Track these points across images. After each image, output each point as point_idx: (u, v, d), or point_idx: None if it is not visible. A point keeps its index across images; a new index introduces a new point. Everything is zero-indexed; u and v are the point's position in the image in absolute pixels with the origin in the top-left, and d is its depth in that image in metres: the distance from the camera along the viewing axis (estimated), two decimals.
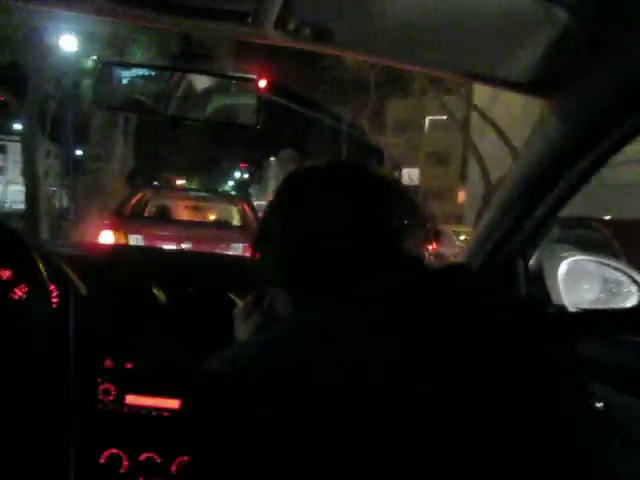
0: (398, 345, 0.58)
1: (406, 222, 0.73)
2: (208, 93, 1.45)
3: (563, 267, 1.36)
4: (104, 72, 1.29)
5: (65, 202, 16.11)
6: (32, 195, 12.16)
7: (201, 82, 1.47)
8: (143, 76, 1.41)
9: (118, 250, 2.27)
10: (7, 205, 34.87)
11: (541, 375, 0.62)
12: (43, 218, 12.11)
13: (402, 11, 0.90)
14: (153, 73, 1.40)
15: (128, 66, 1.43)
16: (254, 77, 1.21)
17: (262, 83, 13.58)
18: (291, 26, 0.92)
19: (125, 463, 1.25)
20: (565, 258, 1.38)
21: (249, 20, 0.91)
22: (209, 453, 0.56)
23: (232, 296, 1.38)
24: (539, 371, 0.62)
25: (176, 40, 10.55)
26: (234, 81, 1.38)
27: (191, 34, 9.21)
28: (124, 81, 1.36)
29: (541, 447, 0.57)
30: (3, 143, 43.55)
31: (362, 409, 0.54)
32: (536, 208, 1.19)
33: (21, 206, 14.32)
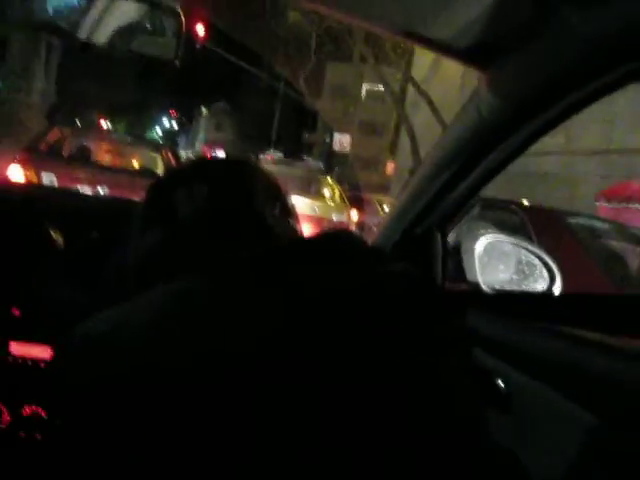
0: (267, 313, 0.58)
1: (263, 202, 0.77)
2: (132, 27, 1.34)
3: (480, 245, 1.36)
4: None
5: None
6: None
7: (127, 15, 1.35)
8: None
9: (23, 187, 2.11)
10: None
11: (416, 353, 0.63)
12: None
13: None
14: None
15: None
16: (178, 10, 1.12)
17: (200, 30, 13.10)
18: None
19: (6, 417, 1.15)
20: (483, 236, 1.38)
21: None
22: (76, 418, 0.52)
23: None
24: (414, 349, 0.63)
25: None
26: (159, 13, 1.27)
27: None
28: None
29: (420, 424, 0.58)
30: None
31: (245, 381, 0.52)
32: (459, 183, 1.17)
33: None
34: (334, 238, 0.71)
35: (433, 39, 0.94)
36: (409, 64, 15.78)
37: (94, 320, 0.59)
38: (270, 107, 30.67)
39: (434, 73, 14.89)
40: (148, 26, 1.31)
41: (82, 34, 1.32)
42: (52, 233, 1.26)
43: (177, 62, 1.12)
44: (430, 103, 13.86)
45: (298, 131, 34.80)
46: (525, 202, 4.86)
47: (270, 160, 15.25)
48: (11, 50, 11.22)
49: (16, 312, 1.18)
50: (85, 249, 1.29)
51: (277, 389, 0.53)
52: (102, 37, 1.31)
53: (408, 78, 15.81)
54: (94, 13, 1.28)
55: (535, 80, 0.91)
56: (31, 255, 1.25)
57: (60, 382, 0.57)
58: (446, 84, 13.51)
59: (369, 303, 0.62)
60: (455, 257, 1.39)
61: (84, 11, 1.34)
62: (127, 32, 1.33)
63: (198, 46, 13.87)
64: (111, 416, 0.51)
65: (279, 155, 19.97)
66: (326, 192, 11.13)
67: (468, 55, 0.96)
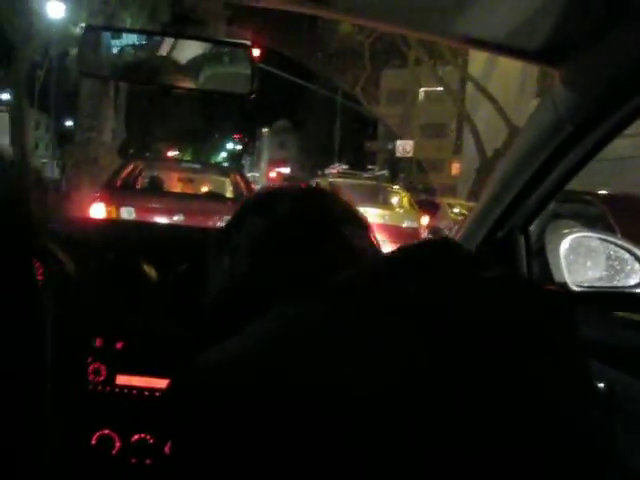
0: (391, 337, 0.55)
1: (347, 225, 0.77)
2: (201, 60, 1.39)
3: (565, 244, 1.33)
4: (89, 38, 1.22)
5: (56, 174, 15.94)
6: (20, 167, 12.02)
7: (193, 49, 1.40)
8: (132, 43, 1.35)
9: (108, 225, 2.22)
10: None
11: (540, 357, 0.59)
12: (32, 190, 11.96)
13: None
14: (142, 40, 1.33)
15: (114, 31, 1.36)
16: (248, 43, 1.15)
17: (255, 52, 13.40)
18: None
19: (117, 444, 1.22)
20: (567, 235, 1.35)
21: None
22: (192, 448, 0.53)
23: None
24: (537, 353, 0.59)
25: (167, 6, 10.35)
26: (227, 48, 1.32)
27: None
28: (112, 48, 1.29)
29: (544, 433, 0.54)
30: None
31: (367, 408, 0.50)
32: (540, 183, 1.15)
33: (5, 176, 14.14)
34: (435, 249, 0.68)
35: (503, 44, 0.94)
36: (465, 62, 15.54)
37: (213, 351, 0.59)
38: (330, 120, 30.86)
39: (492, 68, 14.60)
40: (217, 63, 1.35)
41: (154, 77, 1.36)
42: (145, 267, 1.32)
43: (254, 95, 1.15)
44: (491, 99, 13.59)
45: (360, 141, 34.83)
46: (602, 191, 4.66)
47: (336, 173, 15.33)
48: (82, 92, 11.80)
49: (119, 346, 1.24)
50: (176, 280, 1.34)
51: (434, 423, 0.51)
52: (170, 79, 1.35)
53: (466, 76, 15.57)
54: (159, 54, 1.33)
55: (613, 73, 0.88)
56: (127, 290, 1.31)
57: (179, 410, 0.58)
58: (506, 78, 13.22)
59: (510, 326, 0.59)
60: (539, 258, 1.35)
61: (147, 50, 1.38)
62: (194, 69, 1.37)
63: (256, 66, 14.14)
64: (229, 444, 0.51)
65: (344, 167, 20.04)
66: (394, 199, 11.07)
67: (539, 55, 0.94)
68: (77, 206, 9.70)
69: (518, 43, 0.92)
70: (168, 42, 1.36)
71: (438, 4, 0.91)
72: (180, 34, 1.16)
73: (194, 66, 1.37)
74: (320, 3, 0.86)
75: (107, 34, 1.37)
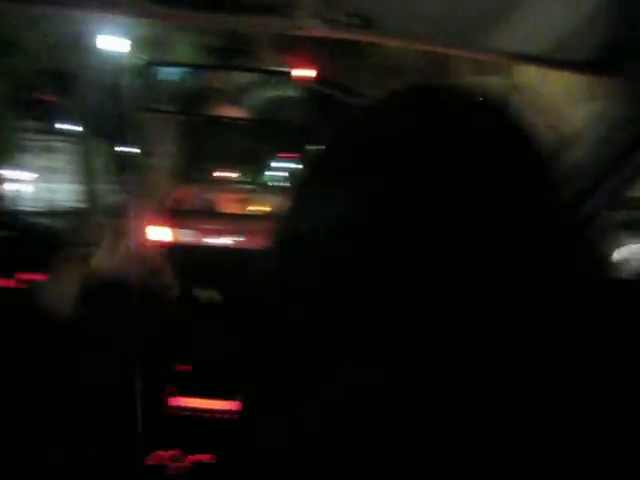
0: None
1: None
2: (250, 87, 1.43)
3: (620, 253, 1.30)
4: (145, 72, 1.28)
5: (118, 199, 16.45)
6: (86, 193, 12.51)
7: (244, 77, 1.45)
8: (185, 74, 1.40)
9: (170, 249, 2.29)
10: (60, 204, 35.98)
11: None
12: (98, 215, 12.43)
13: None
14: (196, 73, 1.39)
15: (170, 65, 1.42)
16: (291, 71, 1.18)
17: (305, 73, 13.55)
18: (334, 17, 0.89)
19: (187, 464, 1.25)
20: (622, 244, 1.31)
21: (292, 13, 0.88)
22: None
23: None
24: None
25: (220, 37, 10.63)
26: (273, 76, 1.35)
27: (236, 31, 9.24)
28: (166, 80, 1.35)
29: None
30: (55, 143, 44.86)
31: None
32: (594, 193, 1.13)
33: (73, 204, 14.72)
34: None
35: (557, 59, 0.94)
36: (512, 71, 15.29)
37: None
38: None
39: (541, 76, 14.32)
40: (265, 89, 1.40)
41: (205, 107, 1.41)
42: (213, 293, 1.36)
43: (298, 121, 1.18)
44: (541, 109, 13.31)
45: None
46: None
47: None
48: (139, 121, 12.20)
49: (184, 368, 1.28)
50: (235, 302, 1.38)
51: None
52: (223, 106, 1.40)
53: (514, 85, 15.29)
54: (210, 85, 1.38)
55: None
56: (190, 313, 1.36)
57: None
58: (555, 86, 12.94)
59: None
60: None
61: (200, 81, 1.44)
62: (244, 96, 1.42)
63: (305, 88, 14.34)
64: None
65: None
66: None
67: (589, 65, 0.94)
68: (138, 230, 9.99)
69: (567, 55, 0.92)
70: (218, 73, 1.41)
71: (486, 22, 0.92)
72: (229, 66, 1.21)
73: (244, 93, 1.41)
74: (362, 29, 0.89)
75: (162, 68, 1.43)
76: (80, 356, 1.13)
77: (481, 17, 0.90)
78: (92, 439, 1.16)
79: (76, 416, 1.11)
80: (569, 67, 0.96)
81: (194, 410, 1.24)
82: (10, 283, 1.37)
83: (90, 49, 10.96)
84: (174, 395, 1.25)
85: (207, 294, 1.34)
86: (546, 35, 0.91)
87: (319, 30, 0.93)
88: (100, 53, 11.15)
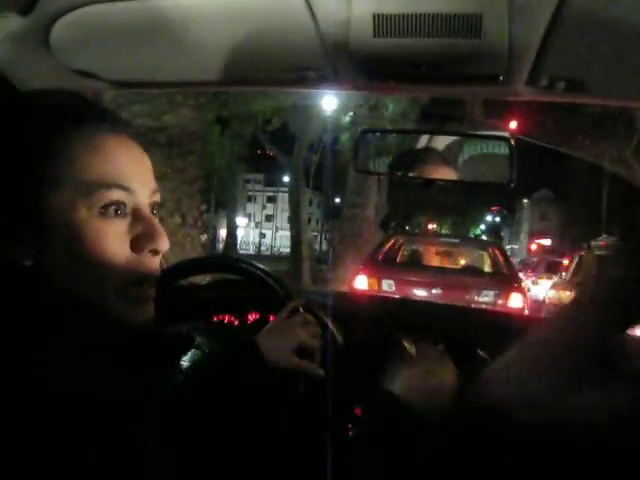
0: None
1: None
2: (459, 147, 1.46)
3: None
4: (362, 138, 1.39)
5: (325, 247, 17.38)
6: (296, 240, 13.42)
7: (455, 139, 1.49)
8: (398, 138, 1.49)
9: (374, 299, 2.38)
10: (275, 249, 39.01)
11: None
12: (305, 261, 13.24)
13: None
14: (408, 137, 1.47)
15: (383, 132, 1.52)
16: (507, 135, 1.20)
17: (512, 125, 13.24)
18: (543, 82, 0.90)
19: None
20: None
21: (500, 80, 0.91)
22: None
23: (481, 353, 1.35)
24: None
25: (431, 101, 10.90)
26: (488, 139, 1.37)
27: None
28: (380, 143, 1.45)
29: None
30: (274, 194, 48.98)
31: None
32: None
33: (288, 250, 15.84)
34: None
35: None
36: None
37: None
38: (596, 188, 28.72)
39: None
40: (474, 149, 1.42)
41: (416, 171, 1.46)
42: (406, 344, 1.39)
43: (512, 185, 1.19)
44: None
45: (632, 211, 31.63)
46: None
47: (603, 246, 14.09)
48: (349, 172, 12.87)
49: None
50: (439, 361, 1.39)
51: None
52: (433, 171, 1.44)
53: None
54: (420, 147, 1.44)
55: None
56: (389, 364, 1.39)
57: None
58: None
59: None
60: None
61: (410, 145, 1.50)
62: (455, 162, 1.45)
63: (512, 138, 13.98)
64: None
65: (612, 239, 18.35)
66: None
67: None
68: (343, 277, 10.45)
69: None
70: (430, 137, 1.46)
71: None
72: (439, 130, 1.26)
73: (454, 157, 1.45)
74: (573, 92, 0.88)
75: (376, 134, 1.53)
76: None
77: None
78: None
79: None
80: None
81: None
82: (236, 321, 1.52)
83: (312, 115, 11.95)
84: None
85: (407, 348, 1.37)
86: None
87: (527, 95, 0.94)
88: (315, 111, 12.09)
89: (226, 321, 1.54)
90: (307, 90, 1.13)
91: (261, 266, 1.39)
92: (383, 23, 0.82)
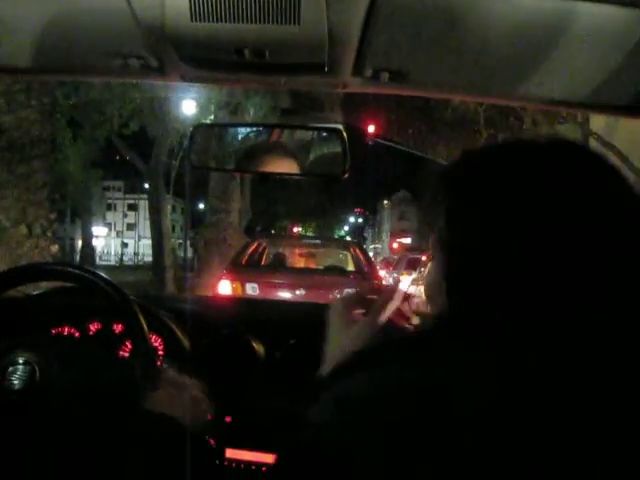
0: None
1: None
2: (306, 146, 1.46)
3: None
4: (195, 134, 1.34)
5: (189, 253, 17.00)
6: (158, 248, 13.00)
7: (301, 136, 1.48)
8: (242, 134, 1.46)
9: (226, 303, 2.33)
10: (139, 258, 37.58)
11: None
12: (169, 269, 12.86)
13: (483, 44, 0.86)
14: (252, 131, 1.44)
15: (216, 126, 1.49)
16: (340, 127, 1.21)
17: (370, 128, 13.77)
18: (368, 73, 0.91)
19: None
20: None
21: (326, 70, 0.91)
22: None
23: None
24: None
25: (286, 97, 11.01)
26: (325, 133, 1.38)
27: (298, 91, 9.60)
28: (225, 141, 1.41)
29: None
30: (135, 201, 47.22)
31: None
32: None
33: (151, 258, 15.31)
34: None
35: (588, 101, 0.92)
36: (587, 118, 14.95)
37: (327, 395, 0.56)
38: None
39: (616, 121, 13.92)
40: (319, 148, 1.42)
41: (258, 165, 1.45)
42: (254, 344, 1.37)
43: (345, 176, 1.20)
44: (618, 154, 12.92)
45: None
46: None
47: None
48: (211, 178, 12.68)
49: (228, 420, 1.28)
50: (285, 358, 1.38)
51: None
52: (277, 166, 1.43)
53: (588, 133, 14.96)
54: (264, 144, 1.42)
55: None
56: (236, 365, 1.36)
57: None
58: (631, 131, 12.53)
59: None
60: None
61: (254, 139, 1.48)
62: (299, 157, 1.45)
63: (370, 142, 14.57)
64: None
65: None
66: None
67: (629, 110, 0.92)
68: (208, 283, 10.27)
69: (606, 100, 0.90)
70: (277, 132, 1.45)
71: (526, 70, 0.92)
72: (278, 124, 1.25)
73: (300, 152, 1.45)
74: (398, 84, 0.90)
75: (220, 129, 1.50)
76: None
77: (520, 65, 0.90)
78: None
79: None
80: (608, 111, 0.94)
81: (237, 462, 1.23)
82: (77, 332, 1.41)
83: (166, 113, 11.62)
84: (215, 446, 1.25)
85: (255, 348, 1.35)
86: (586, 81, 0.89)
87: (354, 86, 0.95)
88: (175, 116, 11.79)
89: (65, 333, 1.43)
90: (135, 80, 1.06)
91: (95, 271, 1.30)
92: (199, 6, 0.78)
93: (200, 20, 0.80)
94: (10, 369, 1.15)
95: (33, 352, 1.24)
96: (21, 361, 1.18)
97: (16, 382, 1.16)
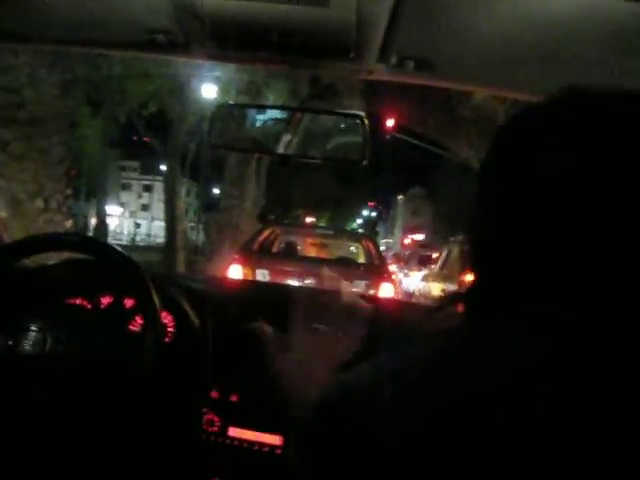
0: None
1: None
2: (327, 133, 1.46)
3: None
4: (218, 113, 1.34)
5: (201, 237, 17.06)
6: (171, 230, 13.05)
7: (323, 122, 1.48)
8: (264, 118, 1.46)
9: (237, 285, 2.35)
10: (151, 239, 37.79)
11: None
12: (180, 252, 12.91)
13: (511, 36, 0.86)
14: (275, 115, 1.44)
15: (241, 107, 1.49)
16: (361, 114, 1.21)
17: (389, 122, 13.71)
18: (393, 60, 0.91)
19: None
20: None
21: (351, 56, 0.91)
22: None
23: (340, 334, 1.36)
24: None
25: (306, 84, 10.99)
26: (347, 119, 1.38)
27: (319, 77, 9.57)
28: (246, 122, 1.41)
29: None
30: (150, 183, 47.42)
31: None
32: None
33: (163, 240, 15.37)
34: None
35: None
36: None
37: (351, 373, 0.55)
38: (466, 187, 30.47)
39: None
40: (340, 135, 1.43)
41: (280, 148, 1.45)
42: (264, 326, 1.38)
43: (365, 162, 1.20)
44: None
45: None
46: None
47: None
48: (227, 163, 12.70)
49: (234, 399, 1.29)
50: (289, 339, 1.38)
51: None
52: (297, 149, 1.43)
53: None
54: (289, 127, 1.43)
55: None
56: (245, 346, 1.37)
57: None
58: None
59: None
60: None
61: (281, 126, 1.48)
62: (320, 141, 1.45)
63: (388, 137, 14.51)
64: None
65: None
66: None
67: None
68: (218, 267, 10.30)
69: None
70: (297, 117, 1.45)
71: (547, 66, 0.91)
72: (301, 108, 1.25)
73: (321, 138, 1.45)
74: (423, 72, 0.90)
75: (242, 111, 1.50)
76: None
77: (535, 59, 0.90)
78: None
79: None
80: None
81: (240, 440, 1.24)
82: (89, 305, 1.43)
83: (185, 95, 11.63)
84: (218, 424, 1.26)
85: (264, 329, 1.35)
86: (612, 76, 0.88)
87: (379, 73, 0.95)
88: (194, 98, 11.80)
89: (78, 304, 1.45)
90: (160, 56, 1.06)
91: (111, 244, 1.31)
92: None
93: None
94: (23, 335, 1.18)
95: (46, 321, 1.26)
96: (34, 328, 1.20)
97: (28, 348, 1.18)
